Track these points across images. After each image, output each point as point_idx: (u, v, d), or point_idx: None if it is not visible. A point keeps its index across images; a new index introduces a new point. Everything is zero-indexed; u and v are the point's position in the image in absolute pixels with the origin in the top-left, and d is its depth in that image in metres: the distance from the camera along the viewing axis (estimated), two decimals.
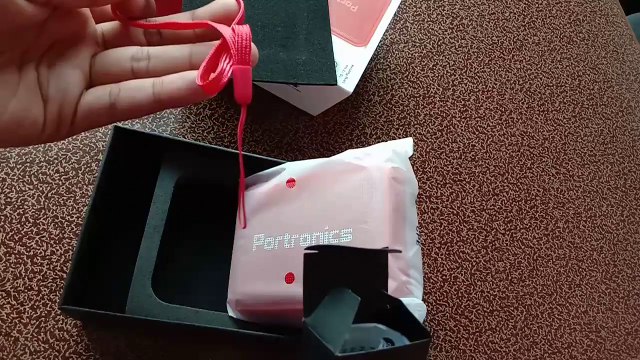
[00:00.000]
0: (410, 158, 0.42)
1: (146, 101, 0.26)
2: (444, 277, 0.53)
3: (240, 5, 0.28)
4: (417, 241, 0.38)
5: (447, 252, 0.54)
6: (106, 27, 0.29)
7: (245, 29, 0.27)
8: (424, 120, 0.59)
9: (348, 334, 0.22)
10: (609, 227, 0.63)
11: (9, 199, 0.42)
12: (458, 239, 0.55)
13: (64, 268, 0.41)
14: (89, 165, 0.45)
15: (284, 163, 0.42)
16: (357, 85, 0.47)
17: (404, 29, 0.62)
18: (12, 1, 0.21)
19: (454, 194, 0.57)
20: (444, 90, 0.61)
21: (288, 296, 0.36)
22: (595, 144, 0.67)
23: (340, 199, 0.37)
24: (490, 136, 0.61)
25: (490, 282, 0.54)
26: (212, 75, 0.26)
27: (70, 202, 0.43)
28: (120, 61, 0.27)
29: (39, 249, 0.41)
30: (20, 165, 0.43)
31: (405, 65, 0.60)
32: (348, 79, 0.46)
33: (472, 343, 0.51)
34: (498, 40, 0.67)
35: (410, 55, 0.61)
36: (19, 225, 0.41)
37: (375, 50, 0.49)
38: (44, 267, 0.41)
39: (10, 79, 0.24)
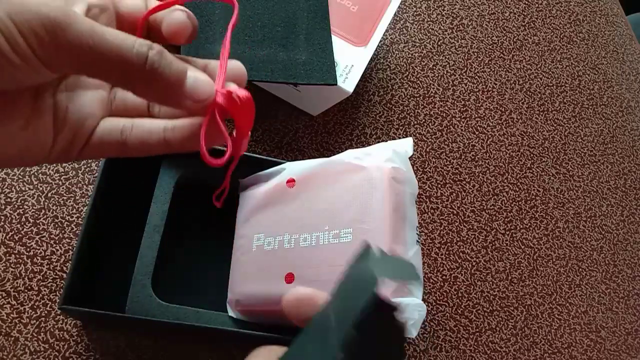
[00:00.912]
0: (410, 158, 0.42)
1: (156, 144, 0.26)
2: (444, 277, 0.53)
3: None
4: (417, 241, 0.38)
5: (447, 252, 0.54)
6: None
7: (247, 95, 0.24)
8: (424, 120, 0.59)
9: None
10: (609, 227, 0.63)
11: (9, 199, 0.42)
12: (458, 239, 0.55)
13: (64, 268, 0.41)
14: (89, 165, 0.45)
15: (284, 163, 0.42)
16: (357, 85, 0.47)
17: (404, 29, 0.62)
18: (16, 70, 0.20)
19: (454, 194, 0.57)
20: (444, 90, 0.61)
21: None
22: (595, 144, 0.67)
23: (340, 199, 0.37)
24: (490, 136, 0.61)
25: (490, 282, 0.54)
26: (224, 156, 0.25)
27: (70, 202, 0.43)
28: (137, 105, 0.27)
29: (39, 249, 0.41)
30: None
31: (405, 65, 0.60)
32: (348, 79, 0.46)
33: (472, 343, 0.51)
34: (498, 40, 0.67)
35: (410, 55, 0.61)
36: (19, 225, 0.41)
37: (375, 50, 0.49)
38: (44, 267, 0.41)
39: (23, 109, 0.23)
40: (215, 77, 0.25)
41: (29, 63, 0.19)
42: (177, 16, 0.25)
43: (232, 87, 0.24)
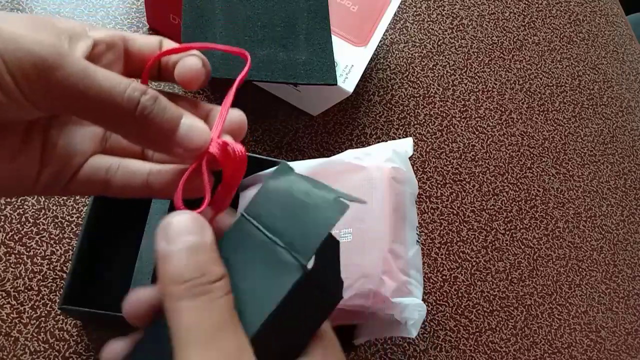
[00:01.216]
0: (410, 158, 0.42)
1: (139, 187, 0.25)
2: (444, 277, 0.53)
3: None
4: (417, 241, 0.38)
5: (447, 252, 0.54)
6: None
7: (242, 151, 0.23)
8: (424, 120, 0.59)
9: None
10: (609, 227, 0.63)
11: (9, 199, 0.42)
12: (458, 239, 0.55)
13: (64, 268, 0.41)
14: None
15: None
16: (357, 85, 0.47)
17: (404, 29, 0.62)
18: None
19: (454, 194, 0.57)
20: (444, 90, 0.61)
21: None
22: (595, 144, 0.67)
23: None
24: (490, 136, 0.61)
25: (490, 282, 0.54)
26: (206, 206, 0.23)
27: (70, 202, 0.43)
28: (132, 144, 0.26)
29: (39, 249, 0.41)
30: None
31: (405, 65, 0.60)
32: (348, 79, 0.46)
33: (472, 343, 0.51)
34: (498, 40, 0.67)
35: (410, 55, 0.61)
36: (19, 225, 0.41)
37: (375, 50, 0.49)
38: (44, 267, 0.41)
39: (12, 143, 0.22)
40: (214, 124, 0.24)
41: (16, 102, 0.19)
42: (192, 63, 0.24)
43: (228, 139, 0.23)
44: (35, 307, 0.40)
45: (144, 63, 0.24)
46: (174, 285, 0.18)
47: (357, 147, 0.41)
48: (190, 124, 0.22)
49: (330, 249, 0.21)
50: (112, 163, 0.25)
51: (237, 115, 0.25)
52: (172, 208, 0.40)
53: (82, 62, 0.19)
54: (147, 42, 0.24)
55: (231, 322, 0.18)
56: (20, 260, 0.41)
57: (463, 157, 0.59)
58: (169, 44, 0.24)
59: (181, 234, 0.19)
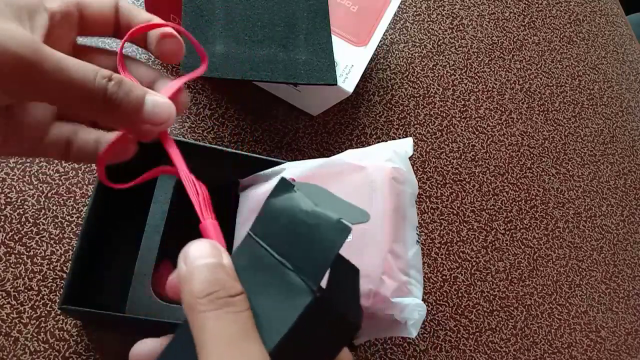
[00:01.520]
0: (410, 158, 0.42)
1: (91, 155, 0.26)
2: (444, 277, 0.53)
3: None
4: (417, 241, 0.38)
5: (447, 252, 0.54)
6: None
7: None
8: (424, 120, 0.59)
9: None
10: (609, 227, 0.63)
11: (9, 199, 0.42)
12: (458, 239, 0.55)
13: (64, 268, 0.41)
14: (89, 165, 0.45)
15: (284, 163, 0.42)
16: (357, 85, 0.47)
17: (404, 29, 0.62)
18: None
19: (454, 194, 0.57)
20: (444, 90, 0.61)
21: None
22: (595, 144, 0.67)
23: None
24: (490, 136, 0.61)
25: (490, 282, 0.54)
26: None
27: (70, 202, 0.43)
28: None
29: (39, 249, 0.41)
30: (20, 165, 0.43)
31: (405, 65, 0.60)
32: (348, 79, 0.46)
33: (472, 343, 0.51)
34: (498, 40, 0.67)
35: (410, 55, 0.61)
36: (19, 225, 0.41)
37: (375, 50, 0.50)
38: (44, 267, 0.41)
39: None
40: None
41: None
42: (173, 40, 0.25)
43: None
44: (35, 307, 0.40)
45: (98, 26, 0.25)
46: (196, 299, 0.19)
47: (357, 147, 0.41)
48: (154, 101, 0.23)
49: (345, 274, 0.21)
50: (70, 133, 0.26)
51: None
52: (172, 208, 0.40)
53: (56, 55, 0.20)
54: (101, 6, 0.25)
55: (254, 333, 0.19)
56: (20, 260, 0.41)
57: (463, 157, 0.59)
58: (124, 5, 0.25)
59: (201, 257, 0.20)
